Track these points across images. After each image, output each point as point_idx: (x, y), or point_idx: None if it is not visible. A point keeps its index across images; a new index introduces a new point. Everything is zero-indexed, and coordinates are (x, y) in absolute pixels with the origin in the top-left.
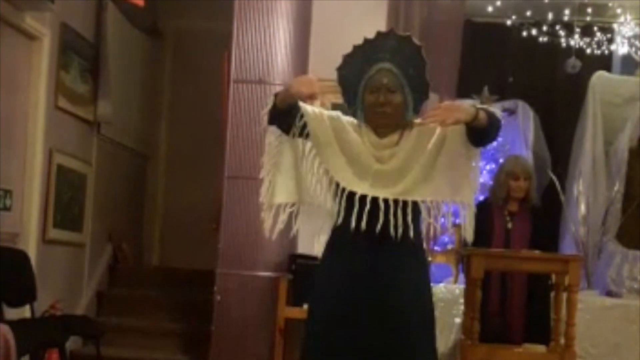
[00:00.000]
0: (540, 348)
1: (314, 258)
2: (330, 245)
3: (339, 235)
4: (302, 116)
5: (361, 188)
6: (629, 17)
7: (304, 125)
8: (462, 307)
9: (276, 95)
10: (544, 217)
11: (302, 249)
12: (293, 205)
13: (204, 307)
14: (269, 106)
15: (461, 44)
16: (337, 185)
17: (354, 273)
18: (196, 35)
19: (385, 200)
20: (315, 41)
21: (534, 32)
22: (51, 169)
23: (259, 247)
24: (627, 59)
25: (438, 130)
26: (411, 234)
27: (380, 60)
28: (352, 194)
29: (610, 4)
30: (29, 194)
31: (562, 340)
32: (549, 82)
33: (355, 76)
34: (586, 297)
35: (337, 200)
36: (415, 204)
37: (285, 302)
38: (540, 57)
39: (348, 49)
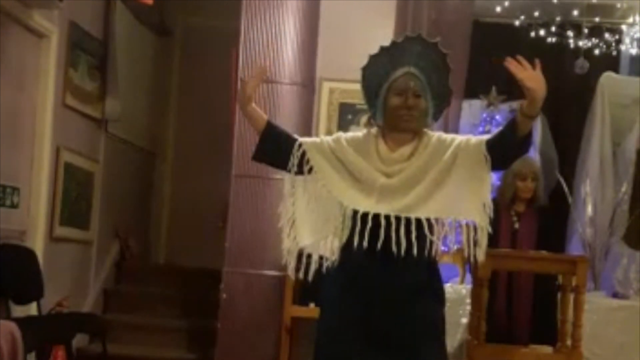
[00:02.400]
0: (547, 349)
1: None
2: (338, 262)
3: (346, 253)
4: (300, 145)
5: (365, 205)
6: (637, 18)
7: (304, 154)
8: (468, 307)
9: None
10: (550, 217)
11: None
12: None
13: (210, 305)
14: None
15: (469, 44)
16: (341, 204)
17: (358, 290)
18: (204, 33)
19: (387, 217)
20: (323, 39)
21: (542, 32)
22: (58, 166)
23: (265, 246)
24: (635, 60)
25: (452, 148)
26: (414, 250)
27: (406, 64)
28: (355, 212)
29: (618, 5)
30: (36, 192)
31: (569, 341)
32: (556, 82)
33: (379, 77)
34: (593, 298)
35: (341, 219)
36: (419, 221)
37: (292, 301)
38: (548, 58)
39: (356, 48)
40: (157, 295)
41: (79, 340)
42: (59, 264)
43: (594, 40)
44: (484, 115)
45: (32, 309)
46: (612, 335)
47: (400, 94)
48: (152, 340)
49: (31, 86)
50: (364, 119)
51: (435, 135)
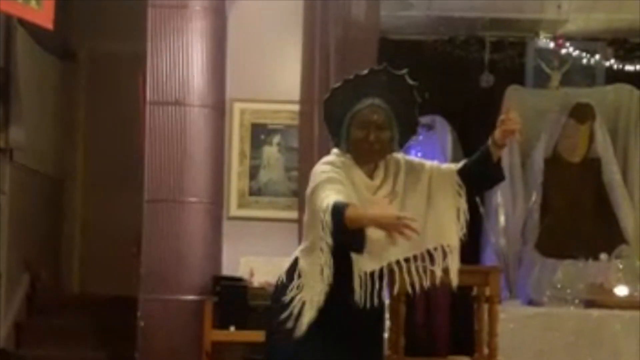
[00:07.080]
0: (465, 359)
1: (239, 279)
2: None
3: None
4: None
5: (372, 264)
6: (539, 31)
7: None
8: (388, 322)
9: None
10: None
11: (226, 270)
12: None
13: (127, 333)
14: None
15: (377, 61)
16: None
17: (329, 330)
18: (110, 57)
19: (397, 262)
20: (232, 60)
21: (447, 48)
22: None
23: (181, 271)
24: (539, 72)
25: (424, 174)
26: (437, 283)
27: (370, 95)
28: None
29: (520, 19)
30: None
31: (486, 351)
32: (464, 96)
33: (342, 107)
34: (509, 306)
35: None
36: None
37: (211, 325)
38: (454, 73)
39: (265, 68)
40: (72, 327)
41: None
42: None
43: (499, 54)
44: None
45: None
46: (530, 343)
47: (362, 127)
48: None
49: None
50: (276, 138)
51: (399, 156)
